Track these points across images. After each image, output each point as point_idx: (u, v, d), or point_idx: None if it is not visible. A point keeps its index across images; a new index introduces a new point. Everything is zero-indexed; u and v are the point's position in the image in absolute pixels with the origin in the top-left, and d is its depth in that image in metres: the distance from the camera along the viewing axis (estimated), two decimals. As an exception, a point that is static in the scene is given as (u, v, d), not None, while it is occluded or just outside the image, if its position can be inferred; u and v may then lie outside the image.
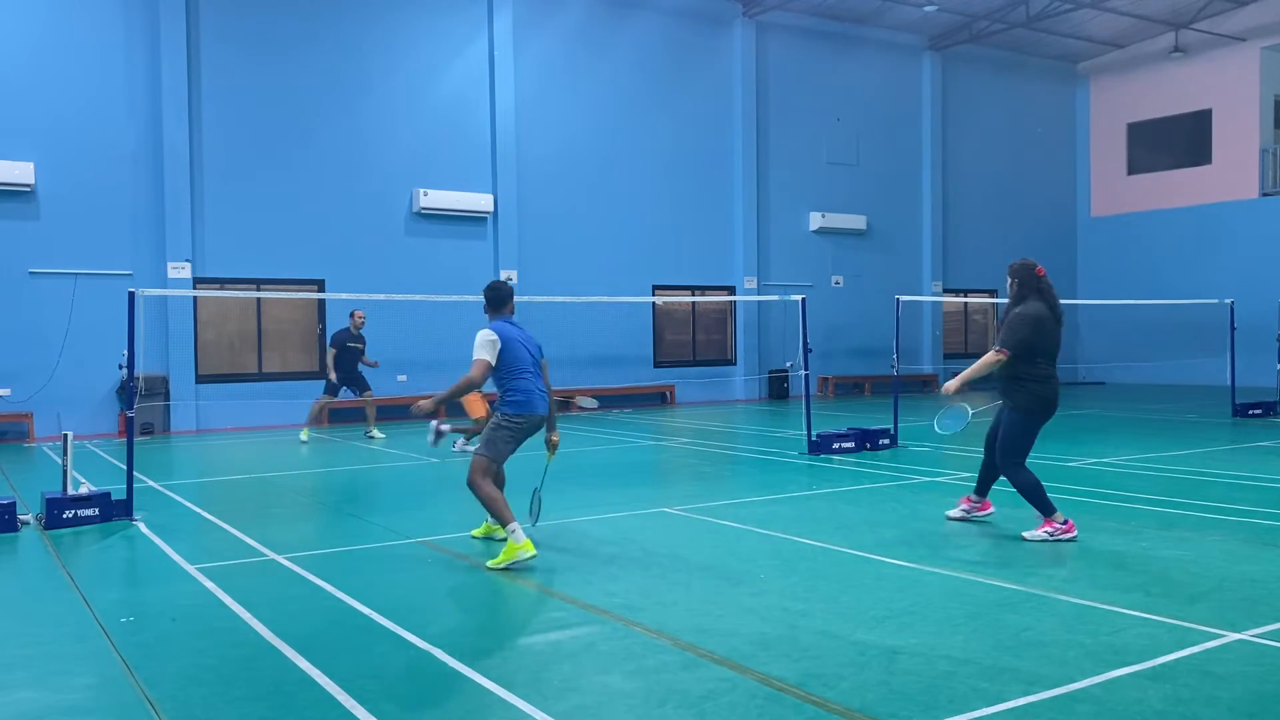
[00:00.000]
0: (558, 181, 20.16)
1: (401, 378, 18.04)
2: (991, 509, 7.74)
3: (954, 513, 7.81)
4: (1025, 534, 7.05)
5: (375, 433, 15.00)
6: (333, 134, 18.05)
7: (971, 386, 7.41)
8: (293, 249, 17.68)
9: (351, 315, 14.94)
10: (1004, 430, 7.20)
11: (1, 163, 15.37)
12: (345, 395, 15.16)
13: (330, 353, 14.85)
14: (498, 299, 7.06)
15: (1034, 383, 7.03)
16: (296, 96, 17.74)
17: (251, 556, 6.99)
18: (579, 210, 20.38)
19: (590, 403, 10.36)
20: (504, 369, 6.84)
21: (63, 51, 16.02)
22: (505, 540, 6.59)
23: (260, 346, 17.76)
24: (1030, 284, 7.15)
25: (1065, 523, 6.98)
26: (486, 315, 7.11)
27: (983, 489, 7.72)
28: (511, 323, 7.05)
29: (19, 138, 15.67)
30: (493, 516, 6.72)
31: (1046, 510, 7.01)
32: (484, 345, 6.75)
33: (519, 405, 6.84)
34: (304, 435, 14.78)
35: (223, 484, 11.04)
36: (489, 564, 6.49)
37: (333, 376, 14.71)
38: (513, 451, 6.91)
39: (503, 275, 19.31)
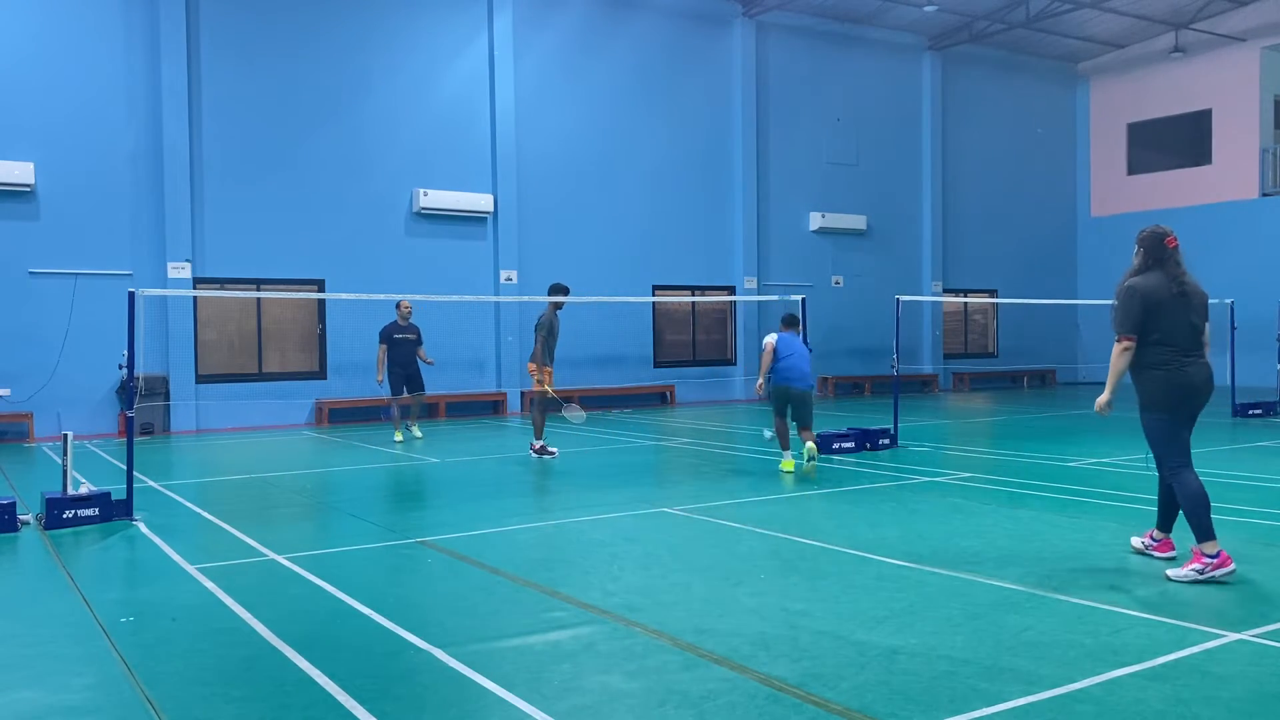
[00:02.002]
0: (558, 181, 20.17)
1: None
2: (1172, 552, 6.34)
3: (1136, 541, 6.60)
4: (1169, 572, 5.95)
5: (415, 430, 14.67)
6: (333, 134, 18.05)
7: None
8: (293, 249, 17.68)
9: (397, 306, 14.33)
10: (1145, 435, 6.20)
11: (1, 163, 15.38)
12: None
13: (380, 349, 14.23)
14: (786, 321, 11.29)
15: (1152, 369, 6.03)
16: (297, 96, 17.74)
17: (251, 556, 6.98)
18: (579, 210, 20.38)
19: (578, 415, 12.99)
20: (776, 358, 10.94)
21: (63, 52, 16.02)
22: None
23: (260, 346, 17.76)
24: (1155, 254, 6.15)
25: (1217, 555, 5.81)
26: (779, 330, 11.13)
27: (1164, 522, 6.41)
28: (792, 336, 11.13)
29: (19, 138, 15.67)
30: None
31: (1201, 534, 5.85)
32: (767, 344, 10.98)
33: (777, 378, 10.94)
34: (399, 436, 14.33)
35: (223, 484, 11.04)
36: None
37: (379, 378, 14.20)
38: (780, 409, 11.00)
39: (502, 276, 19.34)
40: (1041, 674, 4.30)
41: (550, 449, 12.35)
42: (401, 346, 14.30)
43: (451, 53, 19.16)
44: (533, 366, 12.33)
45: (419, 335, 14.57)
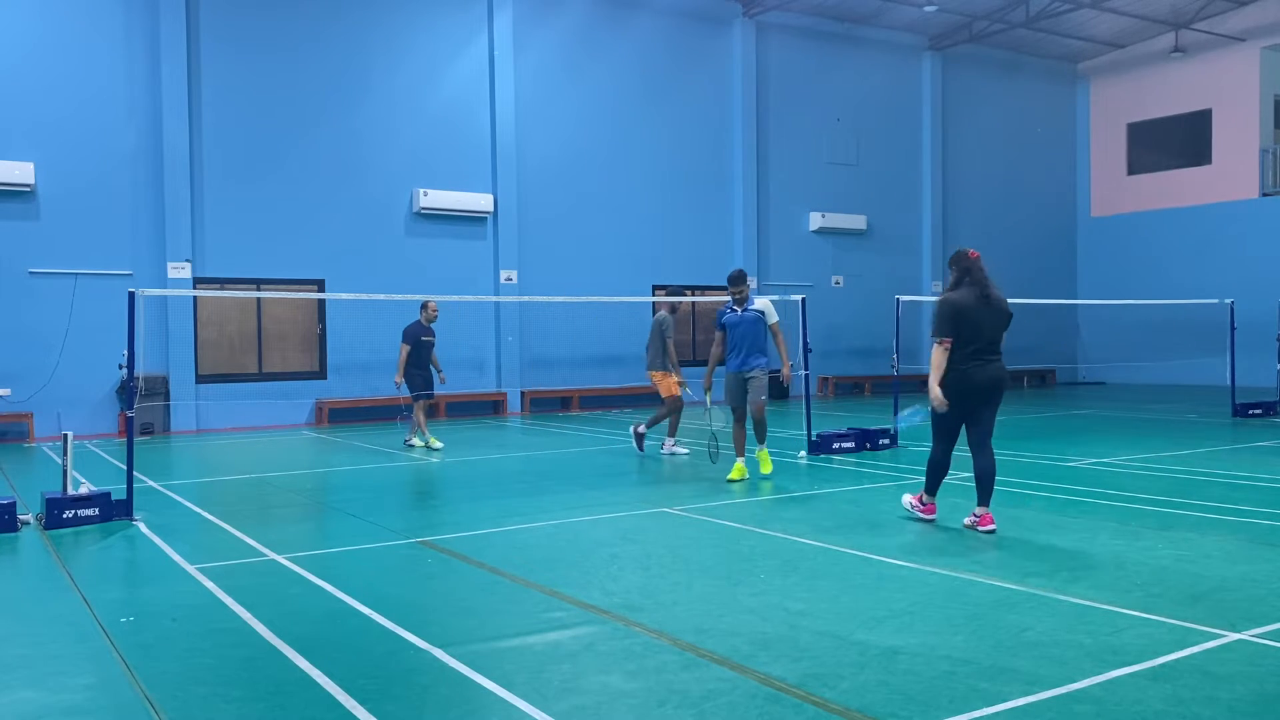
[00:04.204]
0: (558, 181, 20.17)
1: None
2: (992, 525, 7.27)
3: (967, 520, 7.60)
4: (903, 497, 7.96)
5: (415, 440, 13.56)
6: (333, 134, 18.05)
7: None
8: (293, 249, 17.69)
9: (424, 307, 13.43)
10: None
11: (1, 163, 15.38)
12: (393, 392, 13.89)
13: (403, 350, 13.28)
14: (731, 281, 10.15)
15: (950, 366, 7.23)
16: (297, 96, 17.74)
17: (251, 556, 6.98)
18: (579, 210, 20.39)
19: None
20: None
21: (63, 52, 16.03)
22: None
23: (260, 346, 17.77)
24: (963, 271, 7.29)
25: (927, 505, 7.66)
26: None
27: (981, 497, 7.48)
28: (731, 308, 10.10)
29: (19, 138, 15.67)
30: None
31: (928, 489, 7.64)
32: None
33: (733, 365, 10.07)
34: (434, 443, 13.34)
35: (223, 484, 11.04)
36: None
37: (398, 379, 13.26)
38: (736, 399, 10.06)
39: (502, 276, 19.34)
40: (1041, 674, 4.30)
41: (680, 449, 12.25)
42: (425, 349, 13.46)
43: (451, 53, 19.17)
44: (661, 375, 12.15)
45: (435, 339, 13.80)
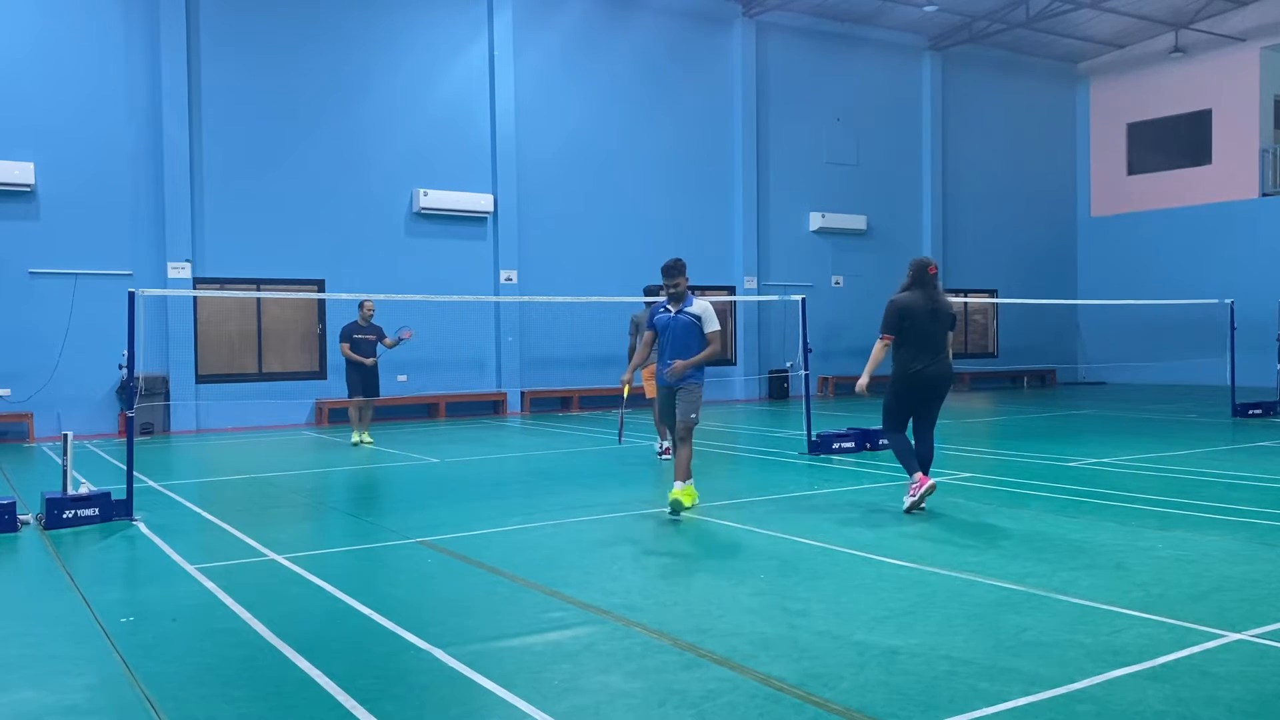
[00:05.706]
0: (558, 181, 20.17)
1: (401, 378, 18.06)
2: (929, 482, 8.08)
3: (906, 500, 8.15)
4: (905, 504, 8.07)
5: (365, 437, 14.20)
6: (333, 134, 18.05)
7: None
8: (293, 249, 17.69)
9: (361, 306, 14.21)
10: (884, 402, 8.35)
11: (1, 163, 15.38)
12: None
13: (342, 347, 14.11)
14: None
15: (897, 363, 8.08)
16: (297, 96, 17.74)
17: (251, 556, 6.98)
18: (579, 210, 20.39)
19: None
20: None
21: (63, 51, 16.02)
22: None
23: (260, 346, 17.76)
24: (918, 278, 8.06)
25: (917, 483, 7.94)
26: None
27: (922, 466, 8.22)
28: (665, 307, 8.51)
29: (19, 138, 15.67)
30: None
31: (907, 471, 8.07)
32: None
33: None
34: (363, 438, 14.15)
35: (223, 484, 11.04)
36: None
37: (369, 361, 13.93)
38: (666, 414, 8.66)
39: (502, 276, 19.34)
40: (1041, 674, 4.30)
41: (665, 454, 11.71)
42: (361, 346, 14.07)
43: (451, 52, 19.16)
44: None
45: (380, 334, 14.30)
